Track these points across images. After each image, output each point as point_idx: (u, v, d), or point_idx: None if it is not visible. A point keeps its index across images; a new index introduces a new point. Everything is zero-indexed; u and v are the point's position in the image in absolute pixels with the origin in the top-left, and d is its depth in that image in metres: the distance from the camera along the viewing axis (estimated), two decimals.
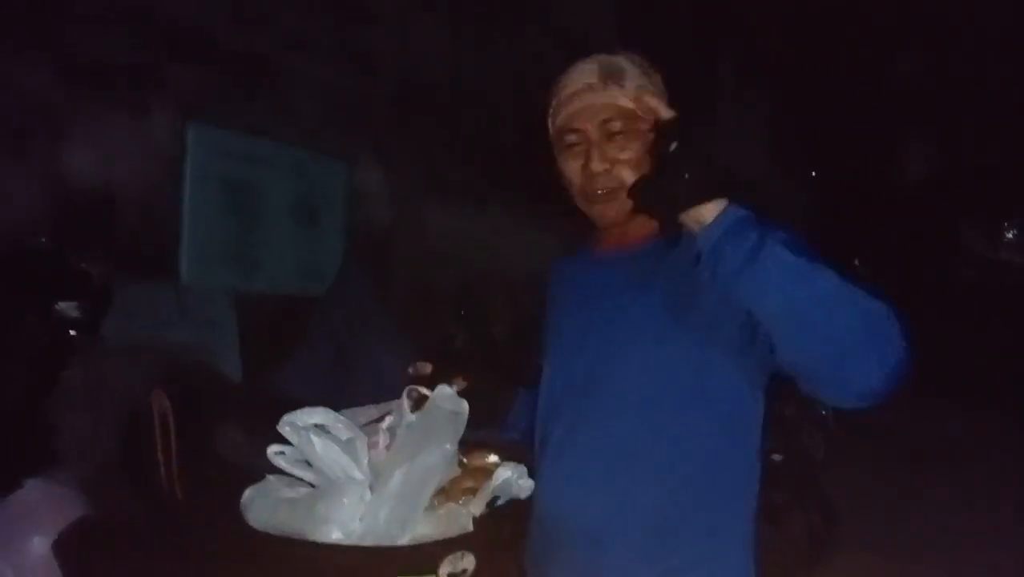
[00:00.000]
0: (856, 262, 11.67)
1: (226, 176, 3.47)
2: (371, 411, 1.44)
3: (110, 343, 2.21)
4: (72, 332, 1.98)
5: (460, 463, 1.58)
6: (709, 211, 1.01)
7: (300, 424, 1.35)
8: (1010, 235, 11.14)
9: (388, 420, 1.39)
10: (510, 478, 1.46)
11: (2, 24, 2.67)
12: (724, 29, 8.13)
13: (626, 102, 1.24)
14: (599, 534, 1.25)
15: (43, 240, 2.17)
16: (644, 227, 1.28)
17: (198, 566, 1.36)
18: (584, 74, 1.29)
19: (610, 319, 1.28)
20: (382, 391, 1.45)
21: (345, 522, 1.28)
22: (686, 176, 1.01)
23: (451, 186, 4.75)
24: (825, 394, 1.05)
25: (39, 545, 1.72)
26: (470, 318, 4.51)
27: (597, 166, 1.26)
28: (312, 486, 1.36)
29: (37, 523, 1.74)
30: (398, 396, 1.40)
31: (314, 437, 1.33)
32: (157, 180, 3.22)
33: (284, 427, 1.34)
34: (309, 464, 1.37)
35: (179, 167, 3.27)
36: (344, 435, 1.35)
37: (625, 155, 1.24)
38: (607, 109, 1.26)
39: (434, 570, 1.29)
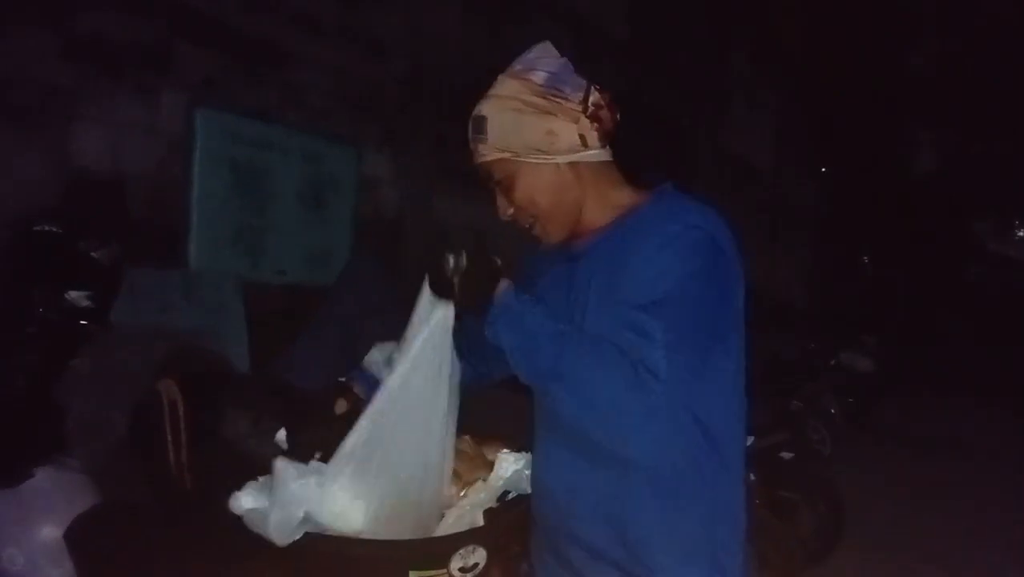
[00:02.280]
0: (864, 259, 11.60)
1: (234, 160, 3.45)
2: None
3: (119, 329, 2.20)
4: (82, 320, 1.96)
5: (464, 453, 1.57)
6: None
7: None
8: (1022, 233, 11.05)
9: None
10: (519, 471, 1.44)
11: (12, 7, 2.65)
12: (736, 19, 8.05)
13: (491, 156, 1.25)
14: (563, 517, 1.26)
15: (52, 227, 2.15)
16: (601, 217, 1.26)
17: (209, 555, 1.35)
18: (468, 126, 1.29)
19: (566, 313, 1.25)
20: None
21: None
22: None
23: (460, 172, 4.71)
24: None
25: (50, 533, 1.72)
26: None
27: (503, 215, 1.31)
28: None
29: (48, 511, 1.75)
30: None
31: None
32: (166, 164, 3.21)
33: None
34: None
35: (187, 151, 3.26)
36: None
37: (519, 198, 1.26)
38: (482, 166, 1.28)
39: (445, 564, 1.28)
